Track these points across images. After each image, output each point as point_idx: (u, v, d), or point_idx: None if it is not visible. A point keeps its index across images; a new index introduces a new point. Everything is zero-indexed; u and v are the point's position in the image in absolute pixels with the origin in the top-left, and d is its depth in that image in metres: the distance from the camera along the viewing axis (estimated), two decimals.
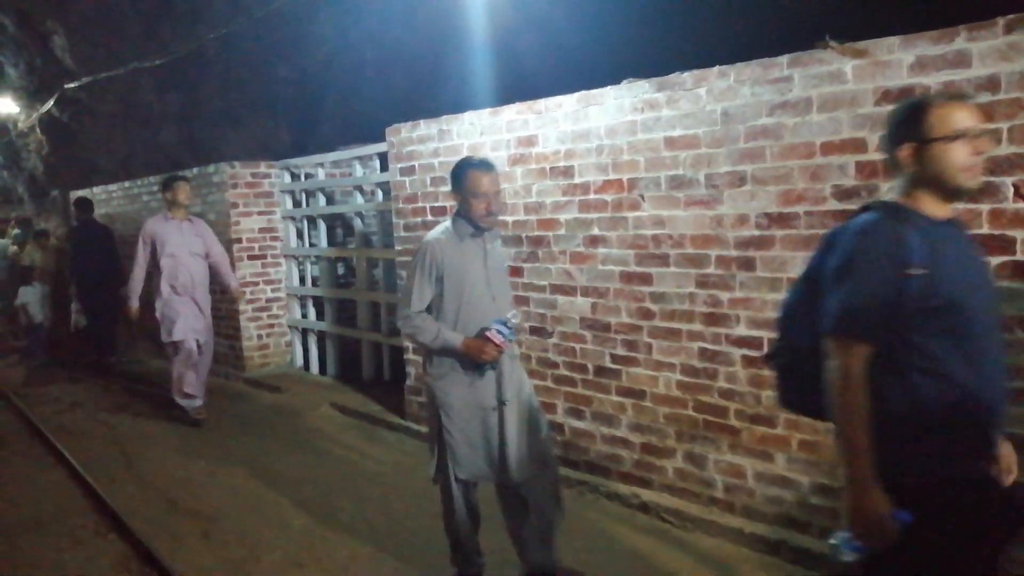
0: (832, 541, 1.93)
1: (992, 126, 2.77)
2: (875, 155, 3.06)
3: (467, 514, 3.15)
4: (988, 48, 2.77)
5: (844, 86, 3.14)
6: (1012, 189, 2.75)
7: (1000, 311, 2.45)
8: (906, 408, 1.86)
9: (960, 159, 1.86)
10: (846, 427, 1.87)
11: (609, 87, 3.99)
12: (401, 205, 5.46)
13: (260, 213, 7.65)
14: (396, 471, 4.83)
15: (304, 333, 7.74)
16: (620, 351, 4.10)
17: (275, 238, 7.75)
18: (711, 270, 3.67)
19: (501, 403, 3.03)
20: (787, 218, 3.37)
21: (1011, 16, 2.72)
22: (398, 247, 5.56)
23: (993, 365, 1.89)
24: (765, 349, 3.47)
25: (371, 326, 6.92)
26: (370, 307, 6.95)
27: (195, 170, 7.90)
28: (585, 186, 4.16)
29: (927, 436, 1.86)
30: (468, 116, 4.83)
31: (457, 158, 5.04)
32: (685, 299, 3.79)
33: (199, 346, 6.06)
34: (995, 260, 2.79)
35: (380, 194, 6.62)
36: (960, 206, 2.86)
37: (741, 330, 3.58)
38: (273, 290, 7.76)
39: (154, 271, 6.02)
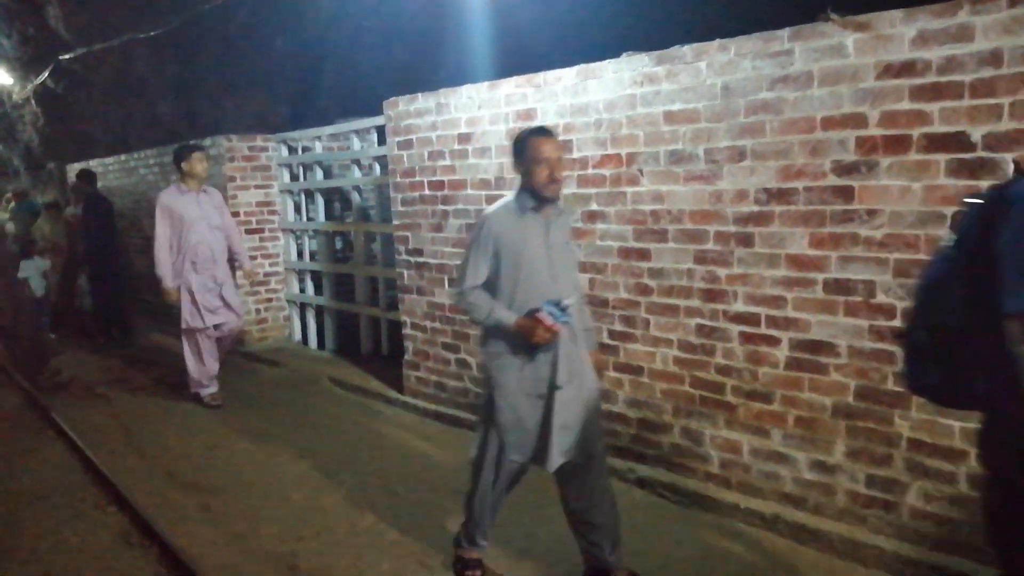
0: None
1: (993, 101, 2.76)
2: (876, 130, 3.04)
3: (493, 496, 3.05)
4: (991, 22, 2.74)
5: (845, 60, 3.10)
6: (1012, 165, 2.73)
7: None
8: None
9: None
10: None
11: (608, 61, 3.95)
12: (399, 179, 5.43)
13: (257, 187, 7.62)
14: (395, 445, 4.86)
15: (302, 307, 7.75)
16: (618, 327, 4.10)
17: (272, 212, 7.73)
18: (709, 246, 3.65)
19: (555, 388, 2.87)
20: (786, 193, 3.35)
21: None
22: (396, 221, 5.54)
23: None
24: (762, 326, 3.48)
25: (369, 300, 6.92)
26: (368, 281, 6.94)
27: (191, 143, 7.83)
28: (583, 161, 4.13)
29: None
30: (466, 90, 4.78)
31: (455, 132, 5.07)
32: (683, 275, 3.78)
33: (216, 329, 5.82)
34: None
35: (378, 168, 6.58)
36: (961, 183, 2.86)
37: (739, 306, 3.58)
38: (271, 264, 7.75)
39: (172, 246, 5.71)
